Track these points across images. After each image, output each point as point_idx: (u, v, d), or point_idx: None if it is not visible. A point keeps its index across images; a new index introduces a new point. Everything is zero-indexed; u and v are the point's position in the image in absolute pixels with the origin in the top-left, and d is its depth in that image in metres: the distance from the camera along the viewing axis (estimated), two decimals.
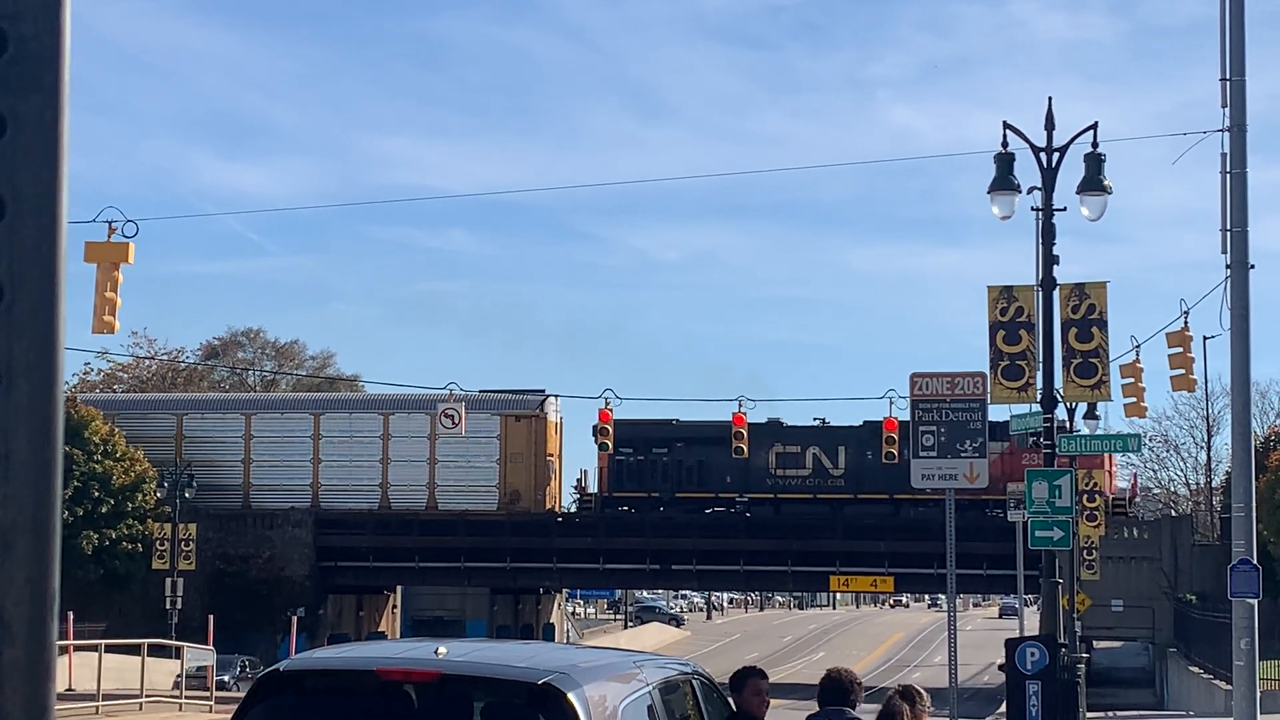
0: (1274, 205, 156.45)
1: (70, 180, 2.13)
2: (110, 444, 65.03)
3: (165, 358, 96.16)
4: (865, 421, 67.89)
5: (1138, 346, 38.43)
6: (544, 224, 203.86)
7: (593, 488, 72.45)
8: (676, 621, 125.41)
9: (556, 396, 73.17)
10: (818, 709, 11.53)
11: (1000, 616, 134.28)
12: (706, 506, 70.20)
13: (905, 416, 40.63)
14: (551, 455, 73.00)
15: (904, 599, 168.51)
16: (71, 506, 59.46)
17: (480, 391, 71.50)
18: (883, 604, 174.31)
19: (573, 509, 75.96)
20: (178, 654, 48.14)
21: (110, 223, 28.25)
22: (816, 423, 71.37)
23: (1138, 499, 77.17)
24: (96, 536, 62.61)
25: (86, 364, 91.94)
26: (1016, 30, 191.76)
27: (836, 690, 11.47)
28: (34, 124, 1.91)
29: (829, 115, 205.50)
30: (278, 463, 73.33)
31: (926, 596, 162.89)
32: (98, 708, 39.19)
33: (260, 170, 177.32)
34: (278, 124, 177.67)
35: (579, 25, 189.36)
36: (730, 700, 11.14)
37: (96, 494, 62.99)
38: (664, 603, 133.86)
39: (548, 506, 73.37)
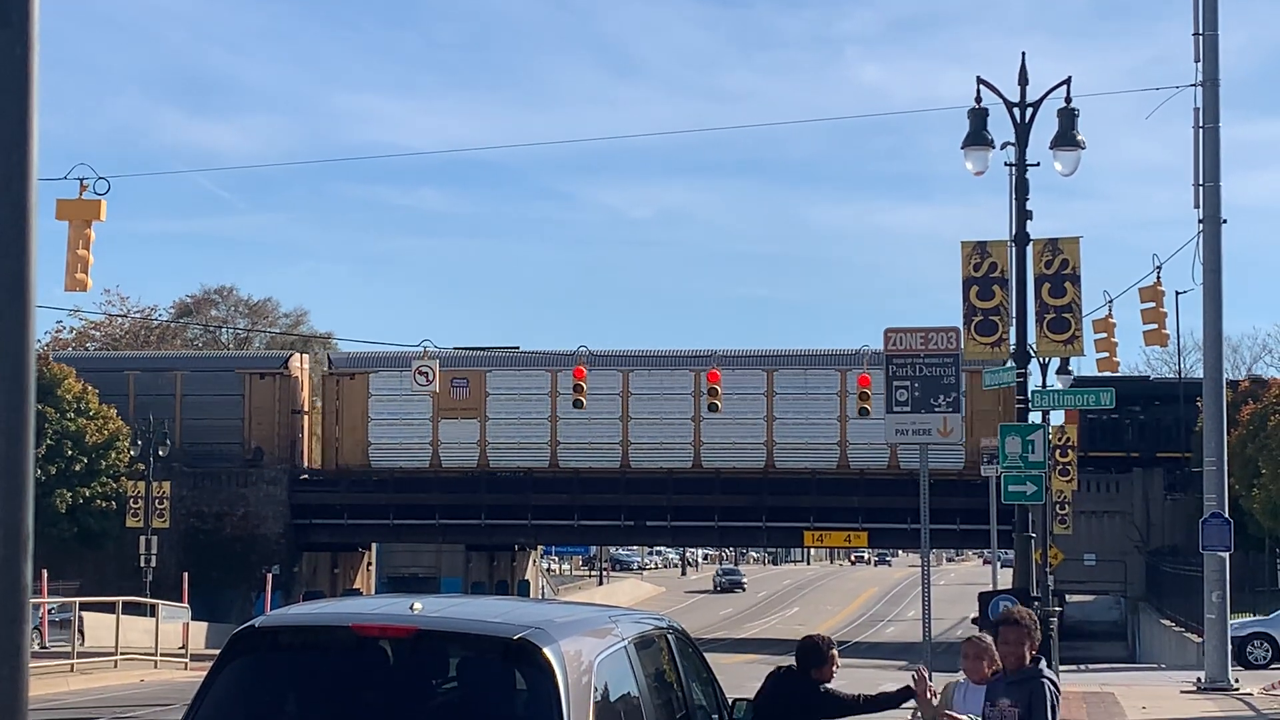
0: (1246, 160, 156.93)
1: (37, 137, 2.07)
2: (83, 402, 64.76)
3: (138, 315, 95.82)
4: None
5: (1110, 301, 38.59)
6: (514, 181, 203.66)
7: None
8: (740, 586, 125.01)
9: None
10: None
11: (985, 564, 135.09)
12: (1179, 467, 64.94)
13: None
14: None
15: (865, 555, 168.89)
16: (45, 465, 59.22)
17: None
18: (841, 560, 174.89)
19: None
20: (152, 611, 48.04)
21: (81, 180, 28.16)
22: None
23: None
24: (70, 495, 62.40)
25: (59, 322, 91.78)
26: None
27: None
28: (3, 58, 1.86)
29: (798, 72, 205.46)
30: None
31: (872, 552, 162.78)
32: (72, 665, 39.15)
33: (228, 127, 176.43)
34: (245, 80, 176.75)
35: None
36: (814, 673, 11.18)
37: (70, 452, 62.76)
38: (741, 573, 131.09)
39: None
